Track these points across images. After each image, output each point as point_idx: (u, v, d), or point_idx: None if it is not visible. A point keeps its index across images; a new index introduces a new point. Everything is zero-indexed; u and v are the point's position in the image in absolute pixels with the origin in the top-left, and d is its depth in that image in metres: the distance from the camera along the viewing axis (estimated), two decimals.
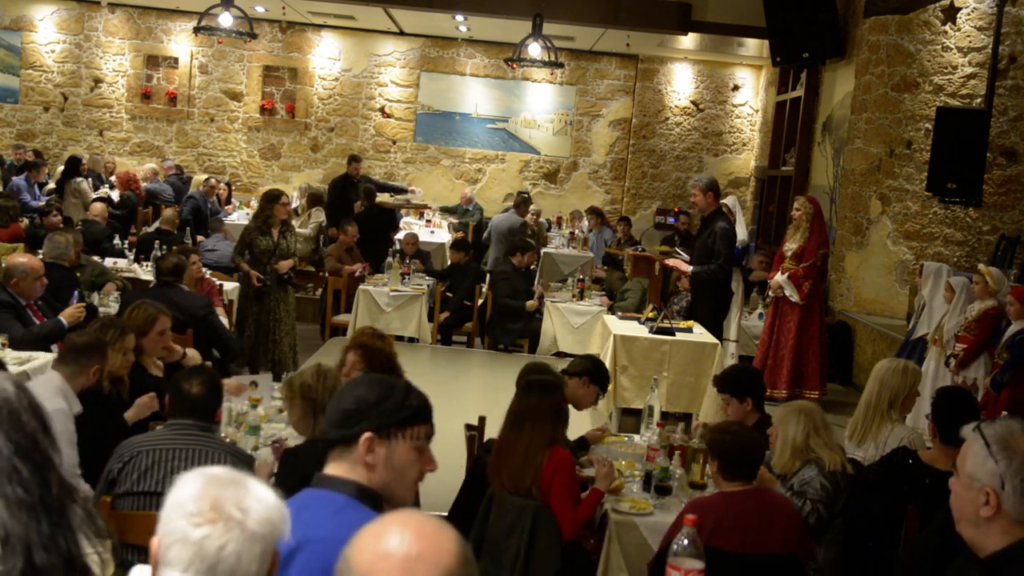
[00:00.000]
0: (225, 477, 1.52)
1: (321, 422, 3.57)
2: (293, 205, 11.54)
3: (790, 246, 8.14)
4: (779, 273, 8.13)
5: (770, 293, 8.30)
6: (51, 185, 12.26)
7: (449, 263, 10.51)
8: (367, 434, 2.05)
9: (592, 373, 4.69)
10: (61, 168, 12.48)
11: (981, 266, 7.09)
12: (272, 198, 7.56)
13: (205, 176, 12.95)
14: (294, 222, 11.75)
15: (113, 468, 3.40)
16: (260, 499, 1.51)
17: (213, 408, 3.54)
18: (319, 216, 11.60)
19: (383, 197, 11.49)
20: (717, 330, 7.52)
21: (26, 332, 5.45)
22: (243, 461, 3.49)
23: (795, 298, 7.99)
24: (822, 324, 8.29)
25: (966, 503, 2.12)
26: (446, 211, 14.04)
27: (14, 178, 12.02)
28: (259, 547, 1.47)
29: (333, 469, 2.11)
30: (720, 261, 7.41)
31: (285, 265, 7.49)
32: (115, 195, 12.09)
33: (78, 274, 6.87)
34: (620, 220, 13.33)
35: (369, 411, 2.07)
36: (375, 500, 2.07)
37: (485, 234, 11.99)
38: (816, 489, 3.75)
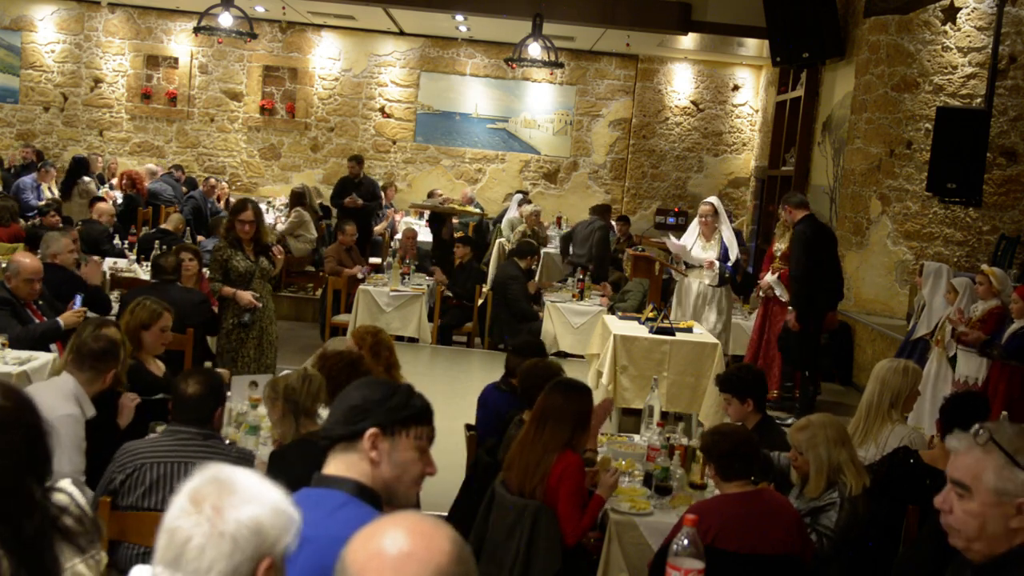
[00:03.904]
0: (221, 477, 1.53)
1: (304, 425, 3.58)
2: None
3: (779, 246, 8.13)
4: (769, 273, 8.12)
5: (760, 294, 8.29)
6: (51, 185, 12.20)
7: (458, 261, 10.48)
8: (372, 430, 2.10)
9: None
10: (60, 167, 12.46)
11: (984, 266, 7.09)
12: (233, 210, 6.40)
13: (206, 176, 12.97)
14: (279, 225, 11.79)
15: (115, 478, 3.34)
16: (251, 503, 1.50)
17: (212, 409, 3.50)
18: (302, 216, 11.51)
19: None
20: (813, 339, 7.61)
21: (22, 330, 5.43)
22: (247, 464, 3.47)
23: (785, 298, 7.98)
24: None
25: (991, 520, 1.96)
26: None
27: (23, 177, 11.99)
28: (227, 547, 1.46)
29: (333, 468, 2.13)
30: (796, 265, 7.52)
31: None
32: (118, 195, 12.08)
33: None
34: (619, 219, 13.32)
35: (375, 408, 2.12)
36: (374, 498, 2.09)
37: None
38: (831, 521, 3.68)
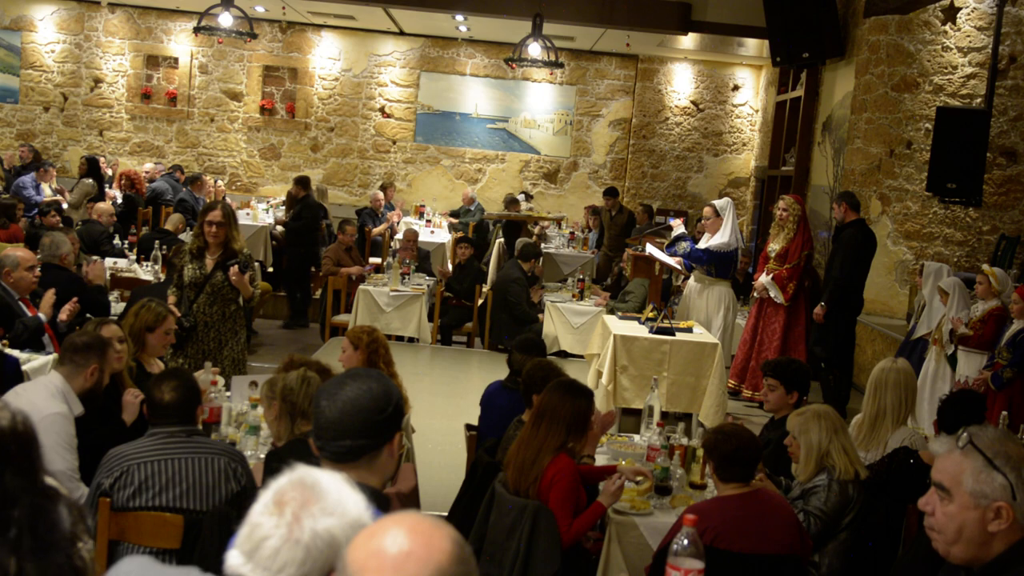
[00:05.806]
0: (308, 481, 1.54)
1: (299, 425, 3.53)
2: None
3: (773, 246, 8.07)
4: (764, 274, 8.09)
5: (754, 294, 8.26)
6: (56, 186, 12.15)
7: (458, 261, 10.46)
8: (397, 433, 2.21)
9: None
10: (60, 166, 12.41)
11: (985, 267, 7.08)
12: (203, 209, 5.72)
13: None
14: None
15: (103, 482, 3.33)
16: (331, 515, 1.52)
17: (191, 409, 3.47)
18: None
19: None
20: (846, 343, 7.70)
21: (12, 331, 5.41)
22: (236, 460, 3.46)
23: (780, 299, 7.93)
24: (808, 326, 8.12)
25: (969, 523, 1.97)
26: (454, 215, 14.16)
27: (22, 176, 11.99)
28: (300, 555, 1.48)
29: (351, 475, 2.13)
30: (841, 266, 7.66)
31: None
32: (118, 195, 12.07)
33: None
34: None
35: (395, 416, 2.21)
36: (383, 501, 2.13)
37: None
38: (820, 501, 3.71)
